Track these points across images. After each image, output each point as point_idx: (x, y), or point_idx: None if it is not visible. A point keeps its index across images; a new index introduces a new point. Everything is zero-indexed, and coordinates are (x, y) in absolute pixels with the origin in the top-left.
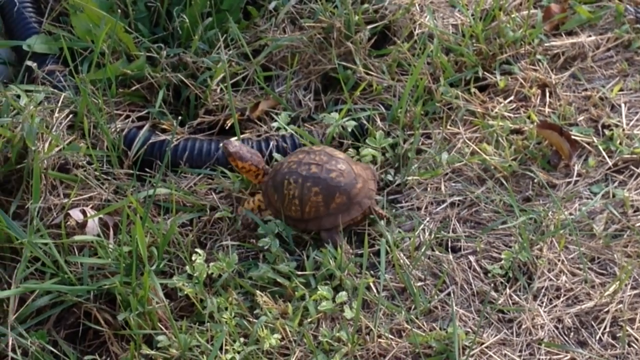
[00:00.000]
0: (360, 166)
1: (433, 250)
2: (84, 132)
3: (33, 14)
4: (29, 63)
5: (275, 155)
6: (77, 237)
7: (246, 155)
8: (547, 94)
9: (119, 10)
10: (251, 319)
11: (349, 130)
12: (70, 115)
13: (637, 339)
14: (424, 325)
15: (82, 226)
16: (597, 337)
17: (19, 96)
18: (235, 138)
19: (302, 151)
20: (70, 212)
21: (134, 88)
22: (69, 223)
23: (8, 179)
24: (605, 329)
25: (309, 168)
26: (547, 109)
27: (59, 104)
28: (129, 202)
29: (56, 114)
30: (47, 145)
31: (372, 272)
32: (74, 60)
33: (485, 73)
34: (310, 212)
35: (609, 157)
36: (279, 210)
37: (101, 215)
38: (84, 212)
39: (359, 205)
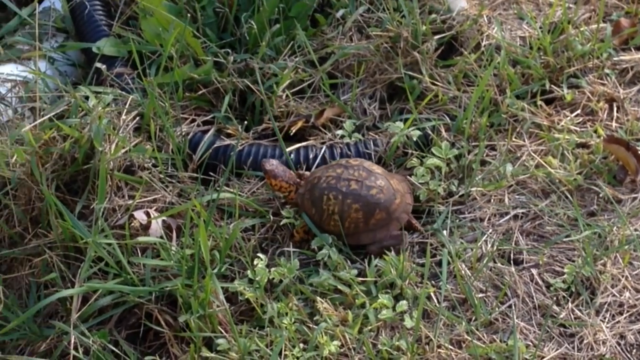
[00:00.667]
0: (397, 179)
1: (495, 262)
2: (150, 135)
3: (103, 17)
4: (98, 65)
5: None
6: (141, 239)
7: (280, 173)
8: (615, 109)
9: (188, 15)
10: (311, 325)
11: (414, 139)
12: (137, 118)
13: None
14: (484, 337)
15: (145, 228)
16: None
17: (87, 97)
18: (276, 159)
19: (340, 165)
20: (135, 213)
21: (200, 92)
22: (133, 224)
23: (74, 179)
24: None
25: (348, 184)
26: (614, 124)
27: (126, 106)
28: (193, 205)
29: (123, 116)
30: (113, 146)
31: (433, 282)
32: (142, 64)
33: (552, 86)
34: (349, 227)
35: None
36: (316, 223)
37: (165, 218)
38: (147, 214)
39: (397, 220)
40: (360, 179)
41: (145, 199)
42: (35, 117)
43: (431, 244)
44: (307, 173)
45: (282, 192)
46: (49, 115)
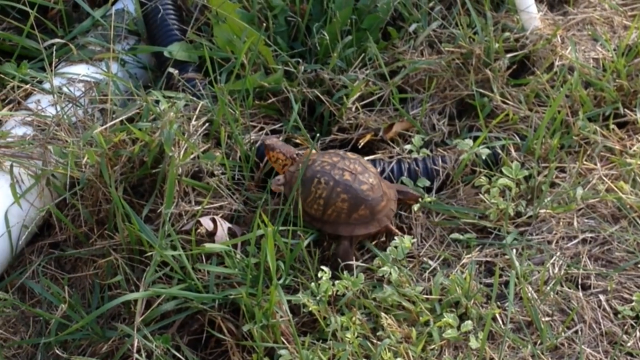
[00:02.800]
0: (386, 184)
1: (562, 285)
2: (218, 141)
3: (175, 22)
4: (170, 70)
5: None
6: (207, 245)
7: (278, 146)
8: None
9: (262, 23)
10: (374, 341)
11: (483, 158)
12: (207, 124)
13: None
14: None
15: (211, 234)
16: None
17: (158, 101)
18: (276, 136)
19: (338, 154)
20: (201, 219)
21: (270, 101)
22: (199, 230)
23: (142, 182)
24: None
25: (342, 174)
26: None
27: (197, 112)
28: (260, 214)
29: (193, 122)
30: (182, 151)
31: (499, 303)
32: (213, 70)
33: (625, 110)
34: (331, 215)
35: None
36: (298, 203)
37: (230, 225)
38: (214, 221)
39: (378, 222)
40: (354, 172)
41: (212, 206)
42: (106, 119)
43: (497, 264)
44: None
45: (277, 166)
46: (120, 118)
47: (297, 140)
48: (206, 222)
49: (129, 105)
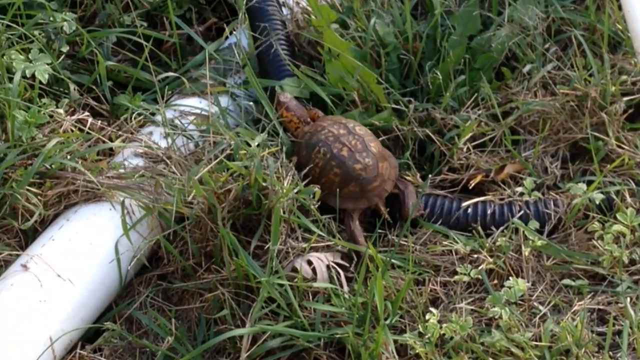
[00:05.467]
0: (389, 163)
1: None
2: None
3: (288, 56)
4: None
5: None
6: (315, 284)
7: (292, 107)
8: None
9: (374, 61)
10: None
11: (596, 203)
12: None
13: None
14: None
15: (314, 276)
16: None
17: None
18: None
19: (346, 127)
20: (300, 266)
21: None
22: (305, 268)
23: (250, 218)
24: None
25: (341, 148)
26: None
27: None
28: (370, 252)
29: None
30: (286, 187)
31: (611, 353)
32: (324, 105)
33: None
34: (324, 184)
35: None
36: (302, 163)
37: (335, 262)
38: (310, 263)
39: (367, 200)
40: (353, 149)
41: (319, 245)
42: (213, 155)
43: (610, 313)
44: (319, 114)
45: (290, 126)
46: (221, 157)
47: (408, 178)
48: (304, 270)
49: (219, 143)
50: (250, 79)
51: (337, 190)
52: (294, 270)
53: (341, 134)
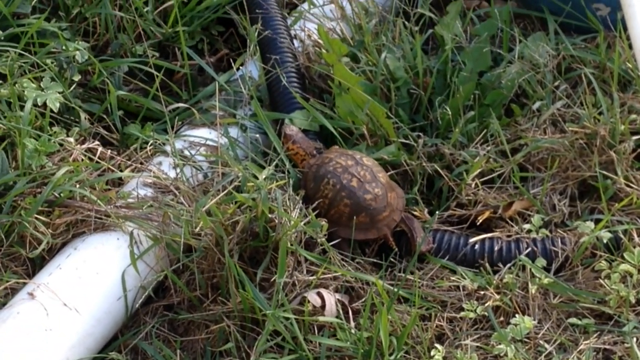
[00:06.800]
0: (396, 193)
1: None
2: None
3: (298, 89)
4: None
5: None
6: (321, 318)
7: (299, 139)
8: None
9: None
10: None
11: (604, 241)
12: None
13: None
14: None
15: (323, 306)
16: None
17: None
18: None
19: (353, 158)
20: (308, 295)
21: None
22: (310, 301)
23: (257, 250)
24: None
25: (350, 179)
26: None
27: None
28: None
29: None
30: (293, 219)
31: None
32: (333, 139)
33: None
34: (333, 215)
35: None
36: (309, 195)
37: (339, 297)
38: (320, 295)
39: (377, 230)
40: (362, 180)
41: (326, 276)
42: (220, 187)
43: (616, 352)
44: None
45: (296, 158)
46: (229, 188)
47: (415, 213)
48: (313, 298)
49: (227, 175)
50: (257, 111)
51: (347, 221)
52: (302, 302)
53: (349, 165)
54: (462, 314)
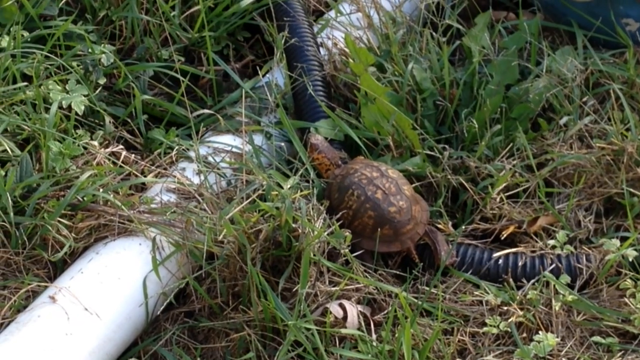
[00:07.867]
0: (420, 207)
1: None
2: None
3: (323, 98)
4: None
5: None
6: (343, 330)
7: (324, 149)
8: None
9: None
10: None
11: (629, 260)
12: None
13: None
14: None
15: (345, 317)
16: None
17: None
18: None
19: (379, 170)
20: (330, 306)
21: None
22: (332, 312)
23: (279, 259)
24: None
25: (375, 191)
26: None
27: None
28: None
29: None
30: (317, 229)
31: None
32: (358, 149)
33: None
34: (357, 227)
35: None
36: (334, 206)
37: (360, 309)
38: (342, 306)
39: (401, 243)
40: (387, 192)
41: (348, 287)
42: (244, 195)
43: None
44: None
45: (321, 168)
46: (253, 196)
47: (439, 226)
48: (335, 309)
49: (251, 183)
50: (283, 120)
51: (370, 233)
52: (324, 313)
53: (374, 176)
54: (485, 329)
